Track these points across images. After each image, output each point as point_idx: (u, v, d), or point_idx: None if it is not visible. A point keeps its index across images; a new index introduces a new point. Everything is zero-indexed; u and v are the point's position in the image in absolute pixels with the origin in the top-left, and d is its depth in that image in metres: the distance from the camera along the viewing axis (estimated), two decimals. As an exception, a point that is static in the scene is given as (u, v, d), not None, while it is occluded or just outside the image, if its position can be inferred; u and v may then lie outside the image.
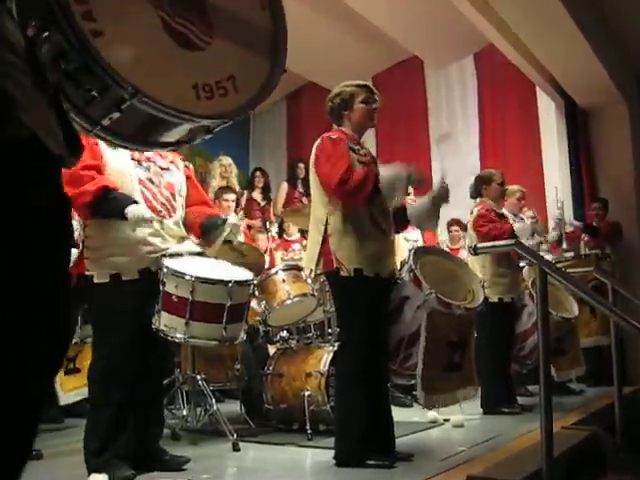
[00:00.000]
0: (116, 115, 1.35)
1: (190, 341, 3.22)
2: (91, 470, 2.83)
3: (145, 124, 1.44)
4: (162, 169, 3.20)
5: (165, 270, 3.09)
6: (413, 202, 3.84)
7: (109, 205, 2.97)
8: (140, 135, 1.51)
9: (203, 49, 1.47)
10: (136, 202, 3.01)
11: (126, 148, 1.69)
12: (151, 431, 3.15)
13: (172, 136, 1.54)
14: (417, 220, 3.46)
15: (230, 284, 3.23)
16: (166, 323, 3.11)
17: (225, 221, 3.30)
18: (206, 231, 3.30)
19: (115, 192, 3.00)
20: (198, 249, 3.34)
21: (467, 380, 3.53)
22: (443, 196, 3.36)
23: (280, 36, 1.60)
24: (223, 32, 1.50)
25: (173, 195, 3.22)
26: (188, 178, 3.36)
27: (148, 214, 2.99)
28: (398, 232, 3.80)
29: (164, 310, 3.12)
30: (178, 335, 3.14)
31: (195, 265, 3.24)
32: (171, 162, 3.28)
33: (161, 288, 3.11)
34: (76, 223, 4.04)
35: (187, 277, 3.11)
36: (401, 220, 3.49)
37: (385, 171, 3.24)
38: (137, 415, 3.02)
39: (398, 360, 3.41)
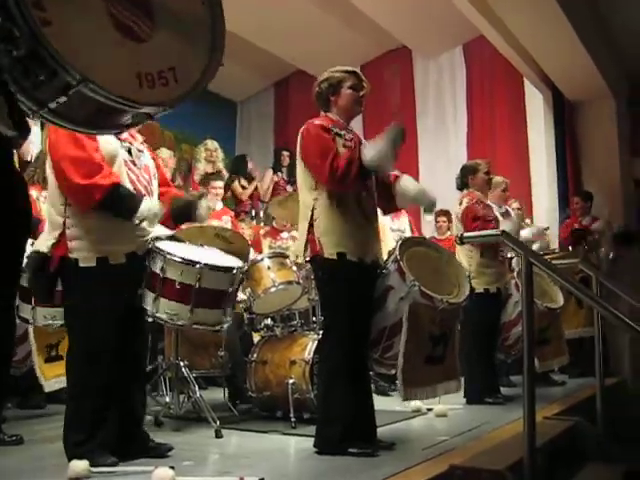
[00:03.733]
0: (62, 99, 1.44)
1: (194, 327, 3.27)
2: (71, 457, 2.80)
3: (90, 108, 1.53)
4: (139, 151, 3.15)
5: (169, 257, 3.09)
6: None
7: (118, 205, 2.92)
8: (85, 118, 1.59)
9: (146, 41, 1.58)
10: (141, 200, 2.97)
11: (71, 129, 1.75)
12: (135, 415, 3.11)
13: (116, 120, 1.63)
14: (375, 159, 3.14)
15: (234, 271, 3.31)
16: (167, 310, 3.13)
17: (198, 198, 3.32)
18: (176, 213, 3.25)
19: (125, 190, 2.94)
20: (170, 232, 3.29)
21: (449, 374, 3.51)
22: (397, 135, 3.14)
23: (217, 31, 1.72)
24: (165, 25, 1.62)
25: (150, 177, 3.18)
26: (154, 159, 3.32)
27: (159, 212, 2.98)
28: (386, 213, 3.80)
29: (164, 297, 3.12)
30: (180, 322, 3.18)
31: (198, 252, 3.31)
32: (141, 144, 3.22)
33: (160, 275, 3.09)
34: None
35: (197, 265, 3.15)
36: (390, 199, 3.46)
37: (372, 147, 3.15)
38: (120, 401, 2.99)
39: (380, 349, 3.40)
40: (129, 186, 3.01)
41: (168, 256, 3.09)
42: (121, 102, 1.49)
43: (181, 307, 3.15)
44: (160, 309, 3.11)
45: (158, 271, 3.10)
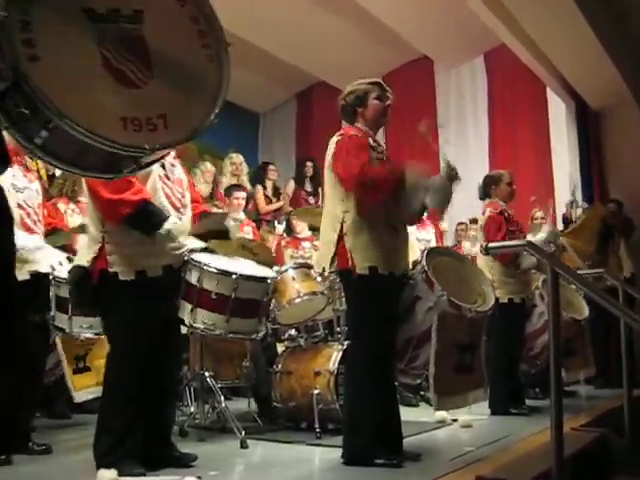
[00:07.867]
0: (44, 134, 1.50)
1: (230, 336, 3.35)
2: (100, 466, 2.83)
3: (72, 146, 1.56)
4: (172, 165, 3.18)
5: (205, 268, 3.16)
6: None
7: (145, 221, 2.96)
8: (72, 157, 1.63)
9: (139, 87, 1.64)
10: (168, 217, 3.00)
11: (58, 168, 1.80)
12: (164, 427, 3.15)
13: (99, 162, 1.65)
14: (433, 197, 3.27)
15: (269, 280, 3.41)
16: (205, 320, 3.21)
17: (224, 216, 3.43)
18: (204, 232, 3.30)
19: (153, 206, 2.98)
20: (203, 244, 3.33)
21: (478, 382, 3.51)
22: (453, 175, 3.36)
23: (221, 88, 1.77)
24: (163, 75, 1.68)
25: (184, 190, 3.22)
26: (186, 174, 3.37)
27: (174, 231, 3.01)
28: (412, 224, 3.80)
29: (201, 307, 3.19)
30: (217, 331, 3.26)
31: (232, 263, 3.40)
32: (174, 158, 3.24)
33: (197, 286, 3.15)
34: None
35: (233, 276, 3.24)
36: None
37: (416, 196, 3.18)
38: (151, 412, 3.02)
39: (405, 359, 3.41)
40: (164, 200, 3.05)
41: (205, 267, 3.14)
42: (98, 140, 1.51)
43: (218, 317, 3.23)
44: (197, 319, 3.19)
45: (195, 282, 3.15)
